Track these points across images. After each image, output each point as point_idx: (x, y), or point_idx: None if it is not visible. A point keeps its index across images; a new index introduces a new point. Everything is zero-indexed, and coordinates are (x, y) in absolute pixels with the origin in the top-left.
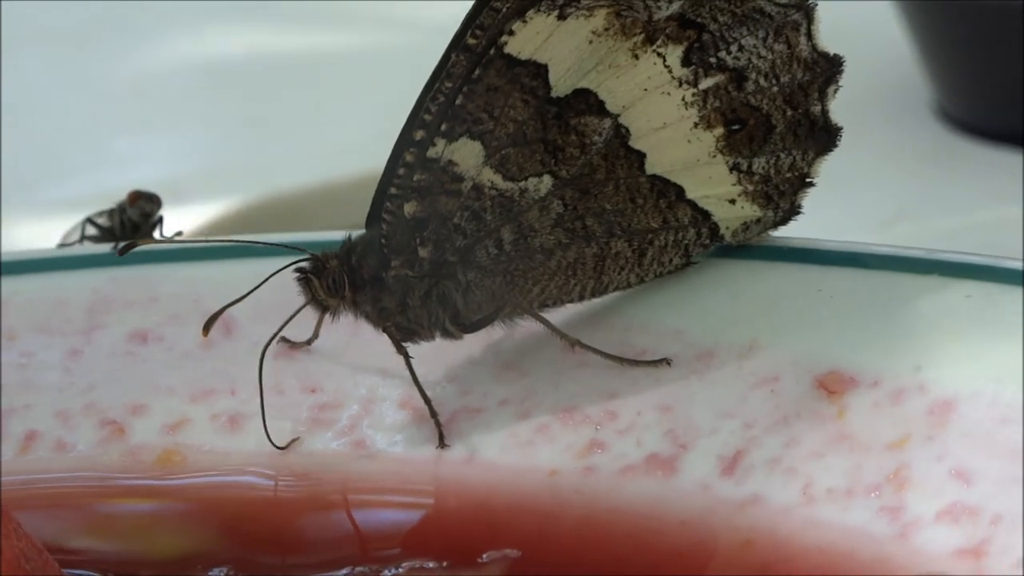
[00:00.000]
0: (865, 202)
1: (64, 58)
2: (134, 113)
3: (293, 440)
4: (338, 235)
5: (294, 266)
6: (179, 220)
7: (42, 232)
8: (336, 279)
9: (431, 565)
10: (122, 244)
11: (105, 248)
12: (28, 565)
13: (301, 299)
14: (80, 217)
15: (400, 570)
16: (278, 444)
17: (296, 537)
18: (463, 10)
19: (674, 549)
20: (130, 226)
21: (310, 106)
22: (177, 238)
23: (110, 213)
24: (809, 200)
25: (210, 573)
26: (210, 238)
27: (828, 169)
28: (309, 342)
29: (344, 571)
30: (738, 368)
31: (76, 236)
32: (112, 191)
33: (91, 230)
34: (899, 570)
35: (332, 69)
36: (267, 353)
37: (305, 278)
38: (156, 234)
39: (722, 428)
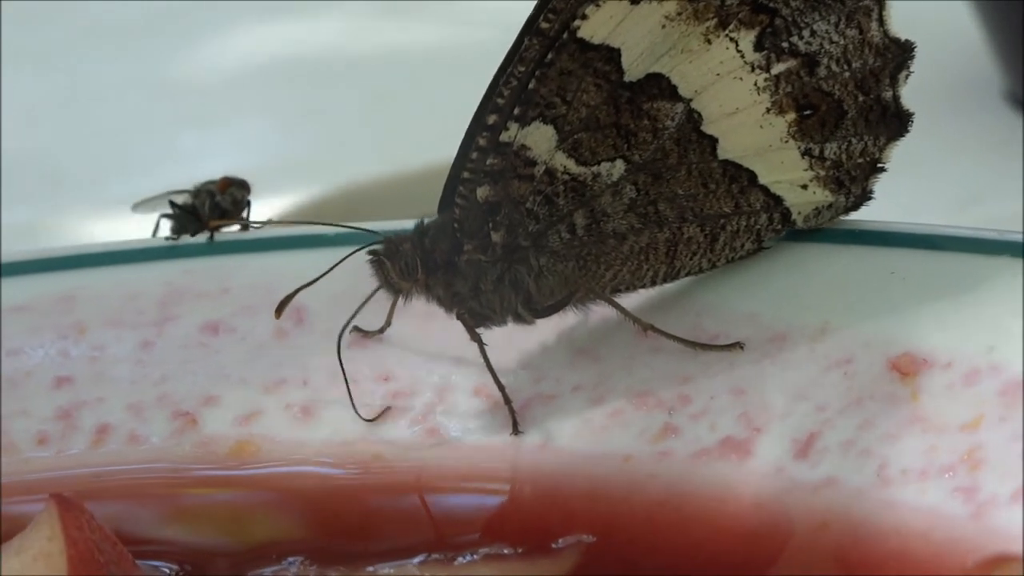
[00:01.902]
0: (934, 188)
1: (129, 54)
2: (200, 108)
3: (385, 409)
4: (409, 223)
5: (367, 249)
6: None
7: (110, 228)
8: (409, 262)
9: (506, 551)
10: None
11: (176, 242)
12: (101, 556)
13: (373, 288)
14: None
15: (475, 556)
16: (365, 417)
17: (370, 525)
18: (524, 7)
19: (749, 532)
20: (218, 213)
21: (374, 100)
22: (254, 225)
23: (195, 193)
24: (880, 185)
25: (285, 561)
26: (282, 222)
27: (899, 155)
28: (382, 330)
29: (419, 558)
30: (811, 351)
31: (153, 207)
32: (179, 186)
33: (175, 203)
34: (975, 550)
35: (397, 63)
36: (340, 342)
37: (378, 260)
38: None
39: (796, 411)
